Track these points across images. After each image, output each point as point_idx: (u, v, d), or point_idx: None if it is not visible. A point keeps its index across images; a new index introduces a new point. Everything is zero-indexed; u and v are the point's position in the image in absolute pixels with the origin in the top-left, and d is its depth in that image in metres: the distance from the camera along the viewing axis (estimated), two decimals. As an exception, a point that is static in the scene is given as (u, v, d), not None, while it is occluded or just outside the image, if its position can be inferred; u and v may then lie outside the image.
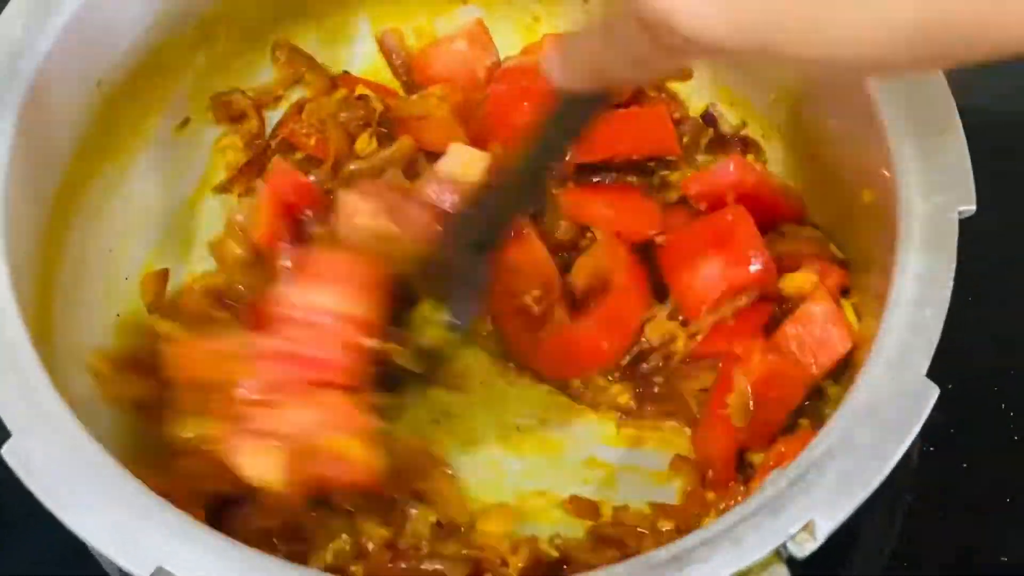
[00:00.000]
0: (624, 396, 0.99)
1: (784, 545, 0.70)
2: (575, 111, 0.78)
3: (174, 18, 1.00)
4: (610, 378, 0.99)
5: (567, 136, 0.82)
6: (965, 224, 0.83)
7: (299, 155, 1.06)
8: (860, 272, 0.95)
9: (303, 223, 0.97)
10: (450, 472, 0.93)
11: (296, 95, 1.11)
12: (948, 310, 0.79)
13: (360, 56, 1.14)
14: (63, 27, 0.89)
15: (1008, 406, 1.02)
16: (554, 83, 0.72)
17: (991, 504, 0.98)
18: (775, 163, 1.07)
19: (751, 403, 0.90)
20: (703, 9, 0.56)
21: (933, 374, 0.76)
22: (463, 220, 0.91)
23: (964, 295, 0.93)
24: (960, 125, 0.87)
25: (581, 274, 0.99)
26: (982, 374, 1.02)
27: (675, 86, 1.09)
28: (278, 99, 1.11)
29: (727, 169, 0.99)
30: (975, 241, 0.82)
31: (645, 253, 1.01)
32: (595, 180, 1.03)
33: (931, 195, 0.84)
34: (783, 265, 0.97)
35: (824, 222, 1.01)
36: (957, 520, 0.97)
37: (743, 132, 1.07)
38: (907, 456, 0.72)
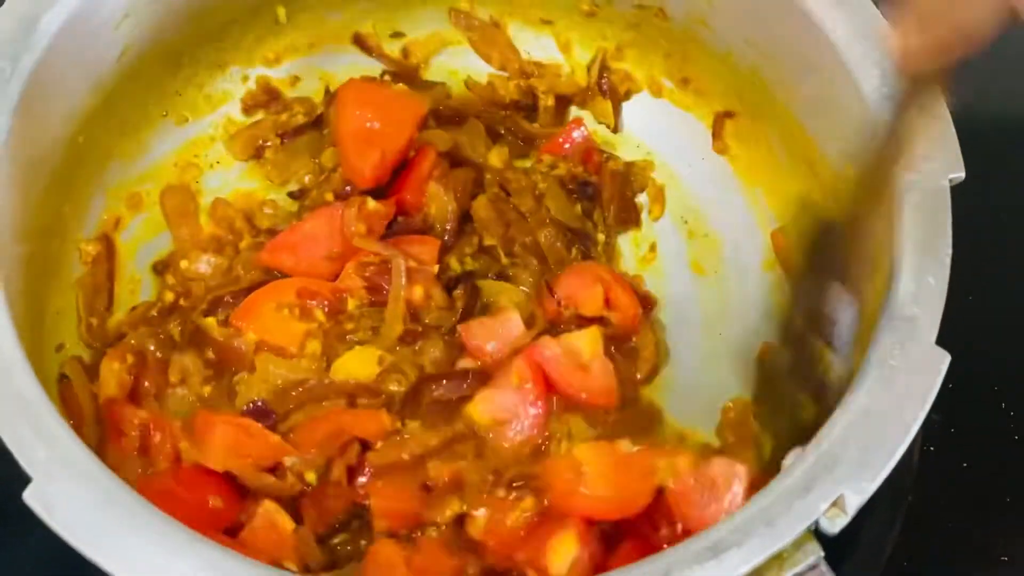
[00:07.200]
0: None
1: (816, 523, 0.70)
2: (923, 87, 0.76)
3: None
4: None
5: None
6: (965, 227, 0.83)
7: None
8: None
9: None
10: None
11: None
12: (947, 311, 0.79)
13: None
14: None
15: (1008, 406, 1.02)
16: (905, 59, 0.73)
17: (991, 504, 0.98)
18: (740, 136, 1.06)
19: None
20: None
21: (933, 374, 0.76)
22: None
23: (964, 295, 0.93)
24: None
25: None
26: (982, 374, 1.02)
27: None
28: None
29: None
30: (975, 242, 0.82)
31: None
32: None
33: (919, 164, 0.83)
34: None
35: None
36: (957, 520, 0.97)
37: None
38: (907, 456, 0.72)
